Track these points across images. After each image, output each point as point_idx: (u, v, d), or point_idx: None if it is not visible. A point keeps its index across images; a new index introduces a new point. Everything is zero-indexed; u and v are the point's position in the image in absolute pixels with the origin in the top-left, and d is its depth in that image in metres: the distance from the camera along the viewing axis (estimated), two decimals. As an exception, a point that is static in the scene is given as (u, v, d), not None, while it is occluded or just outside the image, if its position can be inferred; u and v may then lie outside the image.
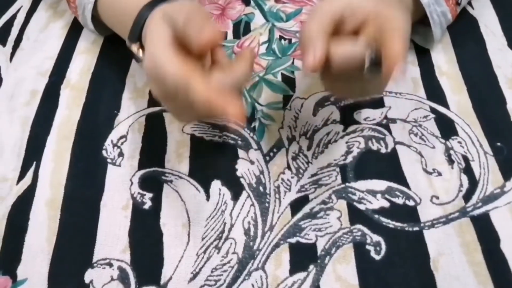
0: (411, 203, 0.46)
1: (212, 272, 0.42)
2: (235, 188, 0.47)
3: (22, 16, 0.65)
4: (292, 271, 0.42)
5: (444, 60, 0.57)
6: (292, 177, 0.48)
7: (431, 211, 0.45)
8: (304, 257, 0.43)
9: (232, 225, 0.45)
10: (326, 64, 0.39)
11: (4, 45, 0.61)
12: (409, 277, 0.41)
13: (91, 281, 0.42)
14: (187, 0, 0.43)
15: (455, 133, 0.50)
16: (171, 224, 0.45)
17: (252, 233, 0.44)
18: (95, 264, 0.43)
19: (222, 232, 0.44)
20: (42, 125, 0.52)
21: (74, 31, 0.61)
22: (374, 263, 0.42)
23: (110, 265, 0.43)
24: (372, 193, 0.46)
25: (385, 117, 0.52)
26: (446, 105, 0.53)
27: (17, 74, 0.58)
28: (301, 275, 0.42)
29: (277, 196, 0.46)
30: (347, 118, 0.52)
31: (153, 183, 0.48)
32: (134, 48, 0.47)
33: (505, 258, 0.42)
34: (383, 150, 0.49)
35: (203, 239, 0.44)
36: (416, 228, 0.44)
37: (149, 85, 0.42)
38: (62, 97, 0.55)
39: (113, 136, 0.51)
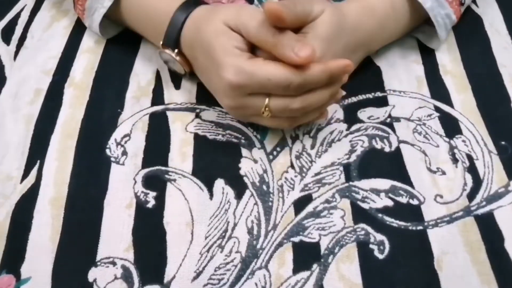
0: (414, 202, 0.46)
1: (215, 271, 0.42)
2: (239, 187, 0.47)
3: (26, 15, 0.65)
4: (296, 270, 0.42)
5: (449, 58, 0.57)
6: (295, 176, 0.48)
7: (435, 210, 0.45)
8: (307, 256, 0.43)
9: (235, 224, 0.45)
10: None
11: (8, 44, 0.61)
12: (412, 276, 0.41)
13: (95, 280, 0.42)
14: (234, 5, 0.46)
15: (459, 132, 0.50)
16: (175, 223, 0.45)
17: (255, 232, 0.44)
18: (98, 263, 0.43)
19: (226, 231, 0.44)
20: (46, 124, 0.52)
21: (78, 30, 0.61)
22: (378, 262, 0.42)
23: (114, 263, 0.43)
24: (375, 192, 0.46)
25: (389, 116, 0.52)
26: (450, 104, 0.53)
27: (21, 73, 0.58)
28: (304, 274, 0.42)
29: (280, 195, 0.46)
30: (351, 117, 0.52)
31: (156, 181, 0.48)
32: (171, 53, 0.48)
33: (509, 257, 0.42)
34: (387, 149, 0.49)
35: (206, 238, 0.44)
36: (420, 227, 0.44)
37: (224, 100, 0.46)
38: (66, 96, 0.55)
39: (117, 134, 0.51)
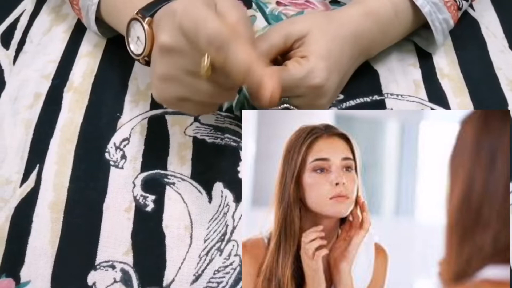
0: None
1: (214, 274, 0.42)
2: (237, 190, 0.47)
3: (25, 19, 0.65)
4: (294, 273, 0.42)
5: (446, 62, 0.57)
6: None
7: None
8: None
9: (234, 227, 0.45)
10: None
11: (7, 48, 0.62)
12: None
13: (94, 283, 0.42)
14: None
15: (457, 135, 0.50)
16: (174, 226, 0.45)
17: (254, 235, 0.44)
18: (98, 266, 0.43)
19: (225, 234, 0.45)
20: (45, 128, 0.52)
21: (77, 34, 0.62)
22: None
23: (113, 267, 0.43)
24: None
25: (387, 119, 0.52)
26: (447, 107, 0.53)
27: (20, 77, 0.58)
28: (303, 277, 0.42)
29: (279, 198, 0.46)
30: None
31: (155, 185, 0.48)
32: (142, 22, 0.43)
33: None
34: (384, 152, 0.49)
35: (205, 241, 0.44)
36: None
37: (158, 64, 0.40)
38: (65, 100, 0.55)
39: (116, 138, 0.51)
